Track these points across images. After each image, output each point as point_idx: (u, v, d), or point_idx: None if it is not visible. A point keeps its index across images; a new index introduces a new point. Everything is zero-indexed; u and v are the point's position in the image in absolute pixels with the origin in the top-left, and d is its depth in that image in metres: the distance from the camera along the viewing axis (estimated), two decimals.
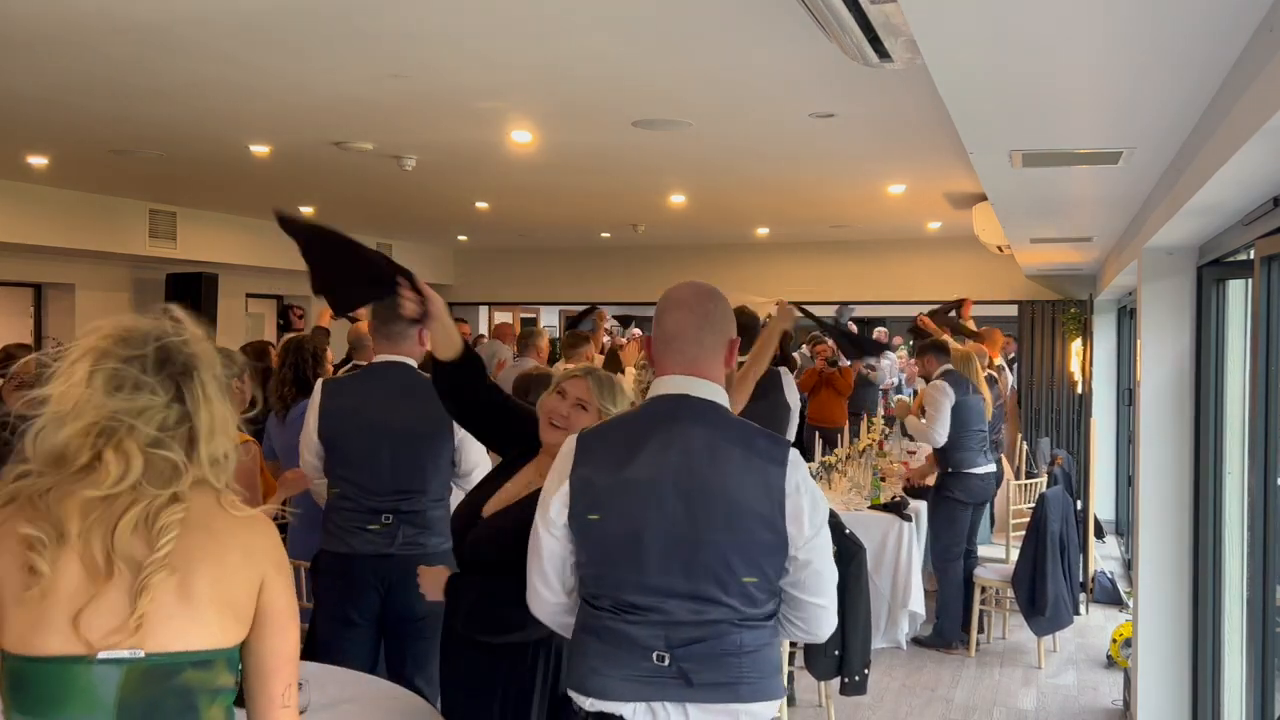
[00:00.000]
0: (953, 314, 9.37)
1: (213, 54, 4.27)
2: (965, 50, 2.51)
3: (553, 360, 8.35)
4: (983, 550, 7.02)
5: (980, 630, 6.69)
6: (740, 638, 2.20)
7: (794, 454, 2.27)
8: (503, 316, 16.55)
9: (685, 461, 2.21)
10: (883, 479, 7.14)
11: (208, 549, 1.65)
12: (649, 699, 2.19)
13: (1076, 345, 10.55)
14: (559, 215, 9.69)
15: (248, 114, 5.41)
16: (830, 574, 2.27)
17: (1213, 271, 4.42)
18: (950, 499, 6.62)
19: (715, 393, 2.31)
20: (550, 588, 2.32)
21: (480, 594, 2.70)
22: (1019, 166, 3.86)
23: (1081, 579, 7.24)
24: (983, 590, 6.68)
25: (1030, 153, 3.67)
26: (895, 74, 3.82)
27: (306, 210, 9.61)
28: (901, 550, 6.38)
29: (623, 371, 7.24)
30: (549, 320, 18.93)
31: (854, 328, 12.04)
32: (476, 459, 3.82)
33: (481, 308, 15.40)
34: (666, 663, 2.18)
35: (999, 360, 9.26)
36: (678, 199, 8.49)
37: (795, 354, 11.10)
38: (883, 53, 3.36)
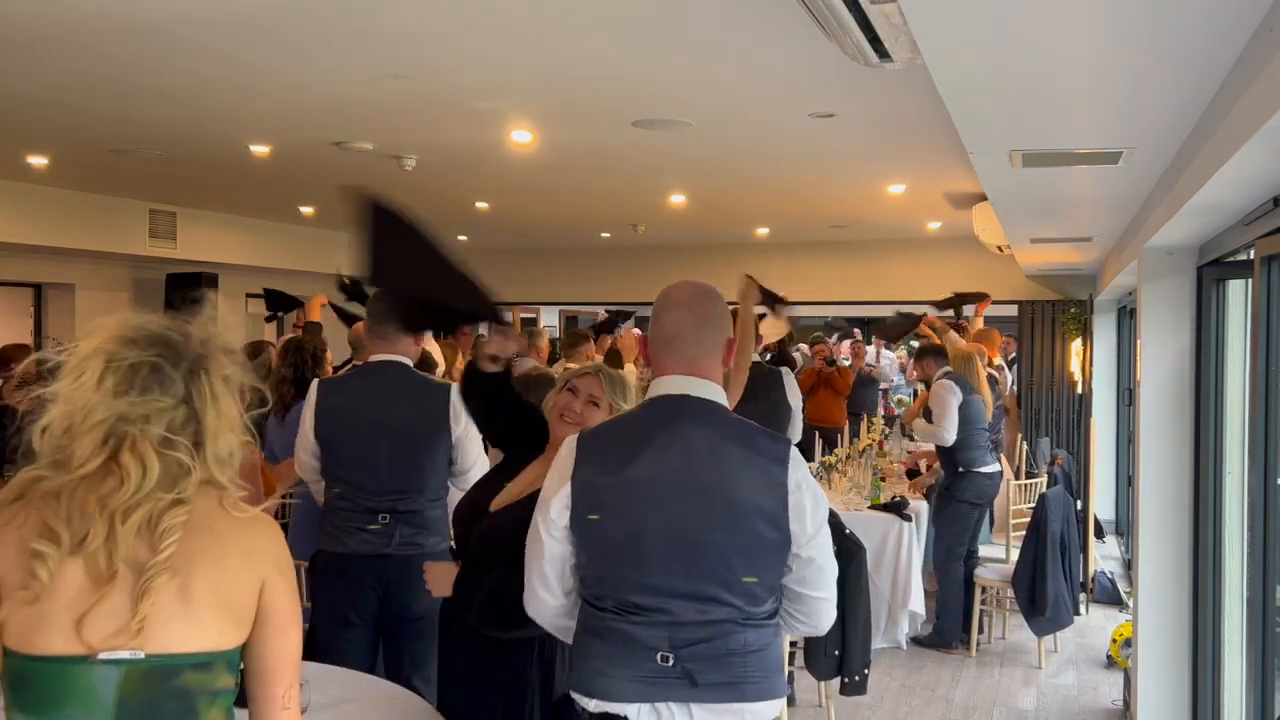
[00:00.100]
0: (948, 312, 9.31)
1: (213, 54, 4.27)
2: (965, 50, 2.51)
3: (553, 360, 8.36)
4: (982, 550, 7.02)
5: (980, 630, 6.69)
6: (744, 637, 2.21)
7: (794, 452, 2.28)
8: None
9: (687, 461, 2.21)
10: (883, 479, 7.14)
11: (209, 551, 1.65)
12: (654, 700, 2.19)
13: (1076, 345, 10.55)
14: (559, 215, 9.69)
15: (248, 114, 5.41)
16: (832, 568, 2.29)
17: (1213, 271, 4.42)
18: (959, 500, 6.61)
19: (715, 392, 2.31)
20: (550, 590, 2.31)
21: (494, 589, 2.69)
22: (1019, 166, 3.86)
23: (1081, 579, 7.24)
24: (983, 590, 6.67)
25: (1030, 153, 3.67)
26: (895, 74, 3.82)
27: (306, 210, 9.62)
28: (901, 550, 6.38)
29: (622, 367, 7.24)
30: (549, 320, 18.92)
31: (862, 349, 12.09)
32: (474, 458, 3.82)
33: None
34: (671, 663, 2.18)
35: (998, 360, 9.26)
36: (678, 199, 8.49)
37: (795, 354, 11.10)
38: (883, 53, 3.36)
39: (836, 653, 4.39)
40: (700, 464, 2.21)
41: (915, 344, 9.82)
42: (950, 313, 9.24)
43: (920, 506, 6.90)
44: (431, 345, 6.47)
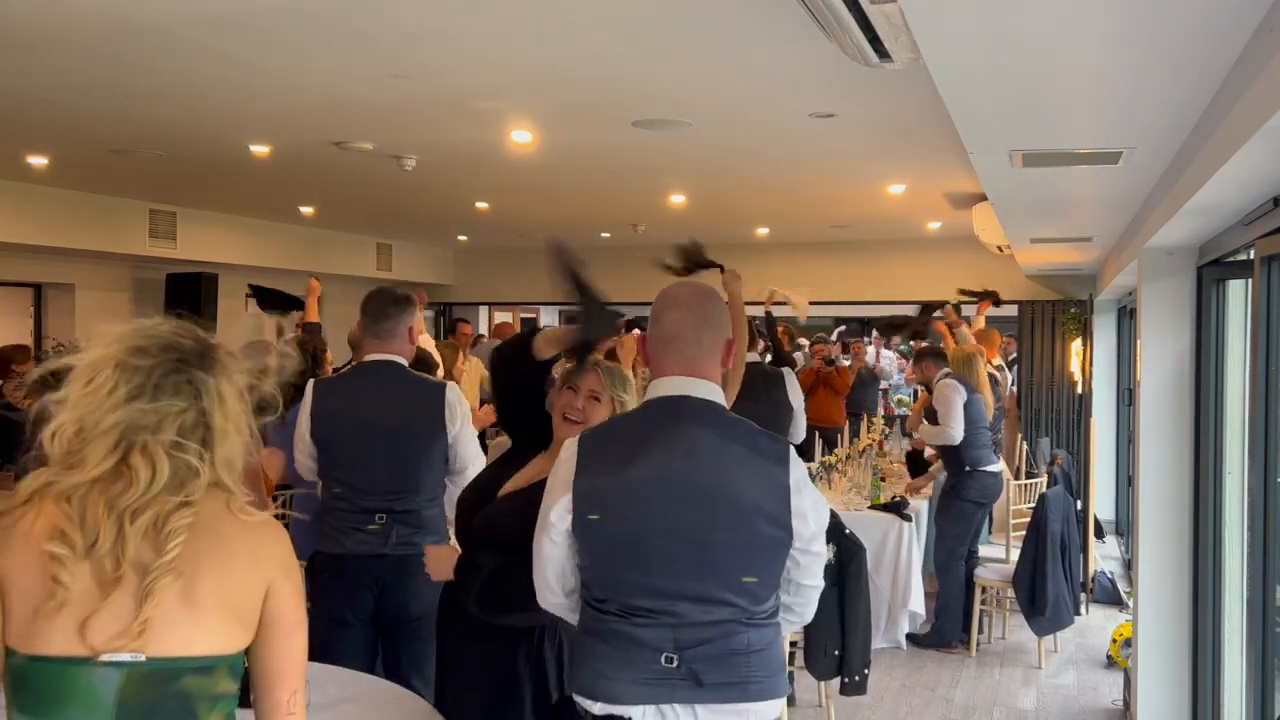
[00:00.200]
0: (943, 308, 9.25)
1: (213, 54, 4.27)
2: (965, 50, 2.51)
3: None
4: (982, 550, 7.03)
5: (980, 630, 6.69)
6: (747, 636, 2.22)
7: (793, 452, 2.29)
8: (503, 316, 16.56)
9: (690, 462, 2.21)
10: (883, 479, 7.14)
11: (215, 554, 1.65)
12: (658, 701, 2.19)
13: (1076, 345, 10.55)
14: (559, 215, 9.69)
15: (248, 114, 5.41)
16: (824, 558, 2.35)
17: (1213, 271, 4.42)
18: (965, 500, 6.60)
19: (714, 392, 2.31)
20: (553, 591, 2.32)
21: (492, 572, 2.69)
22: (1019, 166, 3.86)
23: (1081, 579, 7.24)
24: (983, 590, 6.68)
25: (1030, 153, 3.67)
26: (895, 74, 3.81)
27: (306, 210, 9.62)
28: (901, 550, 6.38)
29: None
30: (549, 320, 18.93)
31: (861, 348, 12.00)
32: (470, 457, 3.81)
33: (481, 308, 15.40)
34: (675, 664, 2.18)
35: (998, 360, 9.25)
36: (678, 199, 8.49)
37: (797, 353, 11.10)
38: (883, 53, 3.36)
39: (836, 653, 4.40)
40: (703, 464, 2.21)
41: (914, 344, 9.82)
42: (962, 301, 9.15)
43: (920, 506, 6.90)
44: (428, 343, 6.47)
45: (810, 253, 11.88)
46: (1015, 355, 11.66)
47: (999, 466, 6.78)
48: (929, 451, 7.78)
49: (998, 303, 9.35)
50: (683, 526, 2.19)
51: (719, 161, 6.70)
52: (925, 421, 6.91)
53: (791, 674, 5.09)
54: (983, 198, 6.62)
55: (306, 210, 9.64)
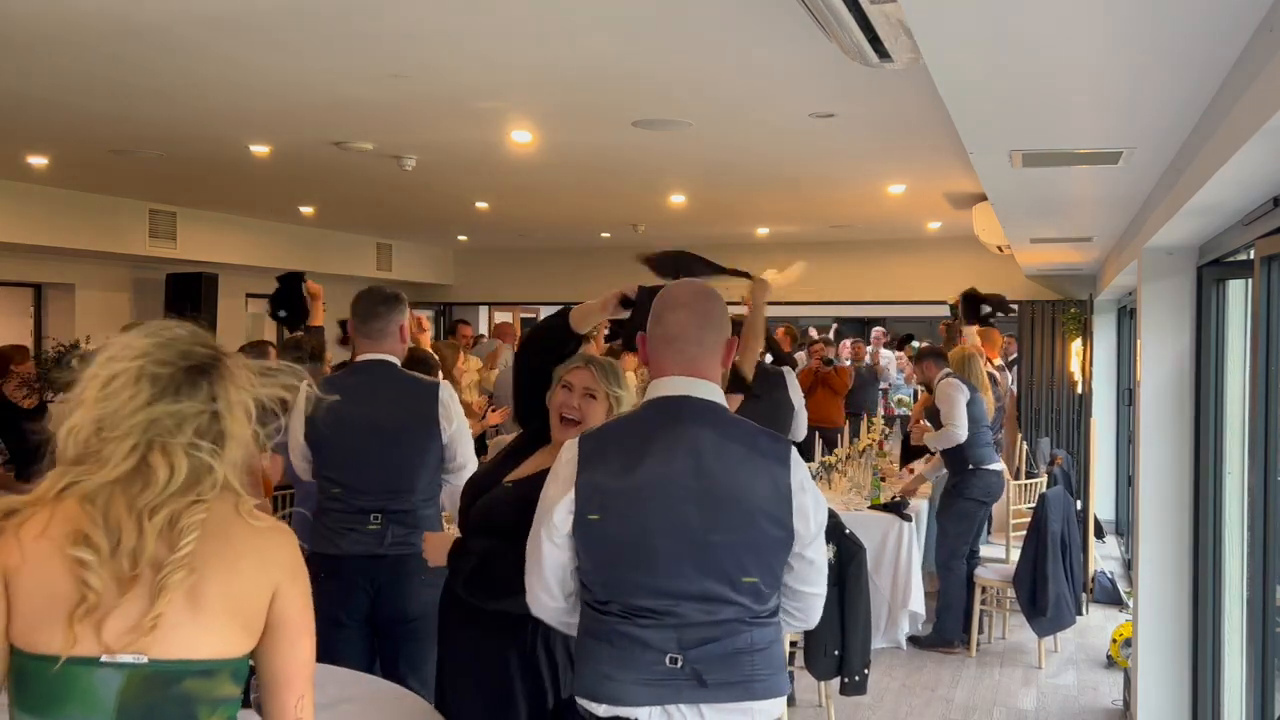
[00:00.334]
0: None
1: (213, 54, 4.27)
2: (965, 50, 2.51)
3: None
4: (982, 550, 7.02)
5: (980, 630, 6.69)
6: (750, 635, 2.22)
7: (794, 452, 2.29)
8: (503, 316, 16.55)
9: (693, 463, 2.21)
10: (883, 479, 7.14)
11: (222, 556, 1.66)
12: (663, 701, 2.19)
13: (1076, 345, 10.55)
14: (559, 215, 9.69)
15: (248, 114, 5.41)
16: (824, 567, 2.34)
17: (1213, 271, 4.42)
18: (967, 498, 6.59)
19: (714, 393, 2.31)
20: (551, 594, 2.31)
21: (484, 555, 2.69)
22: (1019, 166, 3.86)
23: (1082, 579, 7.24)
24: (983, 590, 6.67)
25: (1030, 153, 3.67)
26: (895, 74, 3.81)
27: (306, 210, 9.62)
28: (901, 550, 6.38)
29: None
30: None
31: (862, 348, 11.94)
32: (466, 456, 3.80)
33: (481, 308, 15.39)
34: (679, 664, 2.18)
35: (998, 360, 9.25)
36: (678, 199, 8.49)
37: (799, 353, 11.10)
38: (883, 53, 3.36)
39: (836, 653, 4.40)
40: (706, 465, 2.21)
41: (916, 344, 9.83)
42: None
43: (920, 506, 6.89)
44: (424, 343, 6.46)
45: (810, 253, 11.82)
46: (1015, 355, 11.65)
47: (1000, 465, 6.78)
48: (915, 438, 7.74)
49: (1006, 311, 9.23)
50: (685, 527, 2.19)
51: (719, 161, 6.70)
52: (928, 424, 6.89)
53: (791, 674, 5.09)
54: (983, 198, 6.62)
55: (306, 210, 9.64)
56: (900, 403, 13.97)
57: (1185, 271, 4.59)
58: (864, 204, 8.56)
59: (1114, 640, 6.15)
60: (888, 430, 10.57)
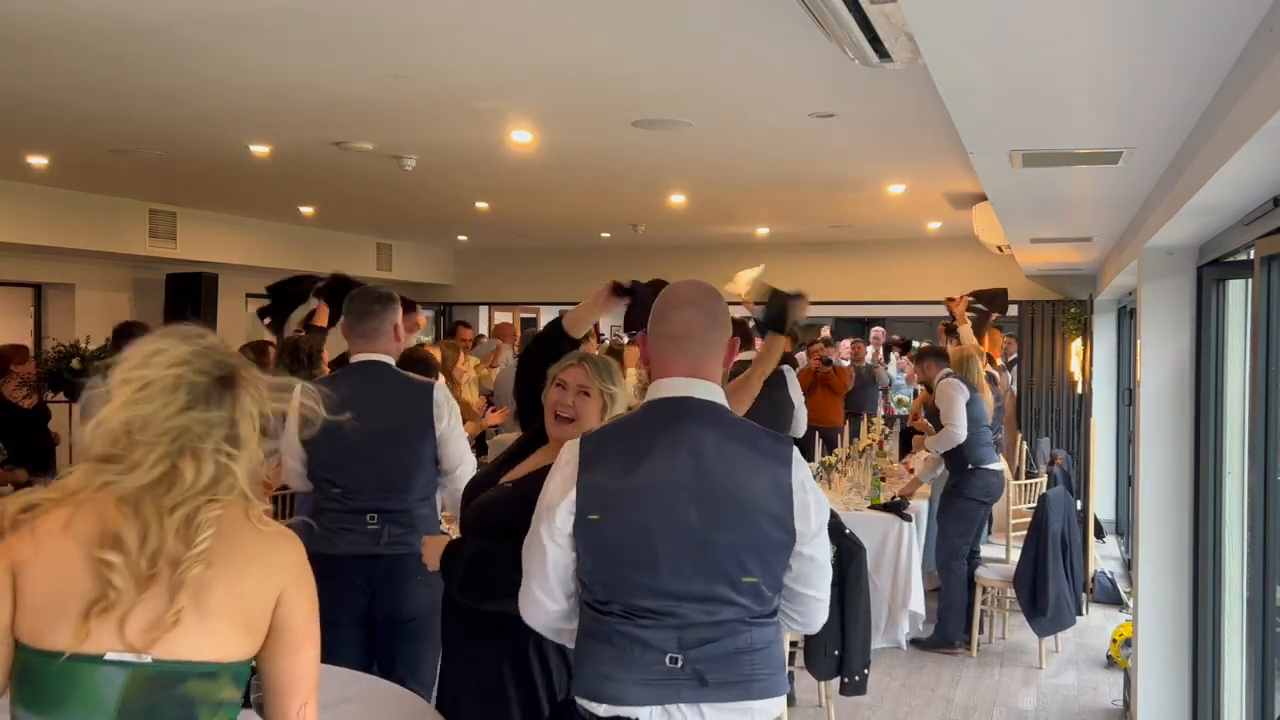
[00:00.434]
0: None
1: (213, 54, 4.27)
2: (965, 50, 2.51)
3: None
4: (982, 550, 7.02)
5: (980, 630, 6.69)
6: (751, 635, 2.22)
7: (796, 452, 2.29)
8: (503, 316, 16.54)
9: (696, 463, 2.21)
10: (883, 479, 7.14)
11: (230, 559, 1.67)
12: (664, 701, 2.18)
13: (1076, 345, 10.55)
14: (559, 215, 9.69)
15: (248, 114, 5.41)
16: (827, 568, 2.33)
17: (1213, 271, 4.42)
18: (967, 498, 6.59)
19: (715, 393, 2.31)
20: (553, 597, 2.30)
21: (476, 555, 2.69)
22: (1019, 166, 3.86)
23: (1082, 579, 7.23)
24: (984, 590, 6.67)
25: (1030, 153, 3.67)
26: (895, 74, 3.82)
27: (306, 210, 9.62)
28: (901, 550, 6.38)
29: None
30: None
31: (862, 348, 11.97)
32: (459, 457, 3.79)
33: (481, 308, 15.39)
34: (680, 664, 2.18)
35: (999, 361, 9.25)
36: (678, 199, 8.49)
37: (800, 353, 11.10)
38: (883, 53, 3.36)
39: (836, 653, 4.39)
40: (708, 465, 2.21)
41: (916, 344, 9.81)
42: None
43: (920, 506, 6.89)
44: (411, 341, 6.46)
45: (810, 253, 11.88)
46: (1015, 355, 11.66)
47: (1001, 465, 6.78)
48: (918, 424, 7.73)
49: (1002, 310, 9.23)
50: (687, 527, 2.19)
51: (719, 161, 6.70)
52: (928, 422, 6.89)
53: (791, 674, 5.09)
54: (983, 198, 6.62)
55: (306, 210, 9.64)
56: (900, 403, 13.98)
57: (1185, 271, 4.59)
58: (864, 204, 8.56)
59: (1114, 640, 6.15)
60: (888, 430, 10.56)
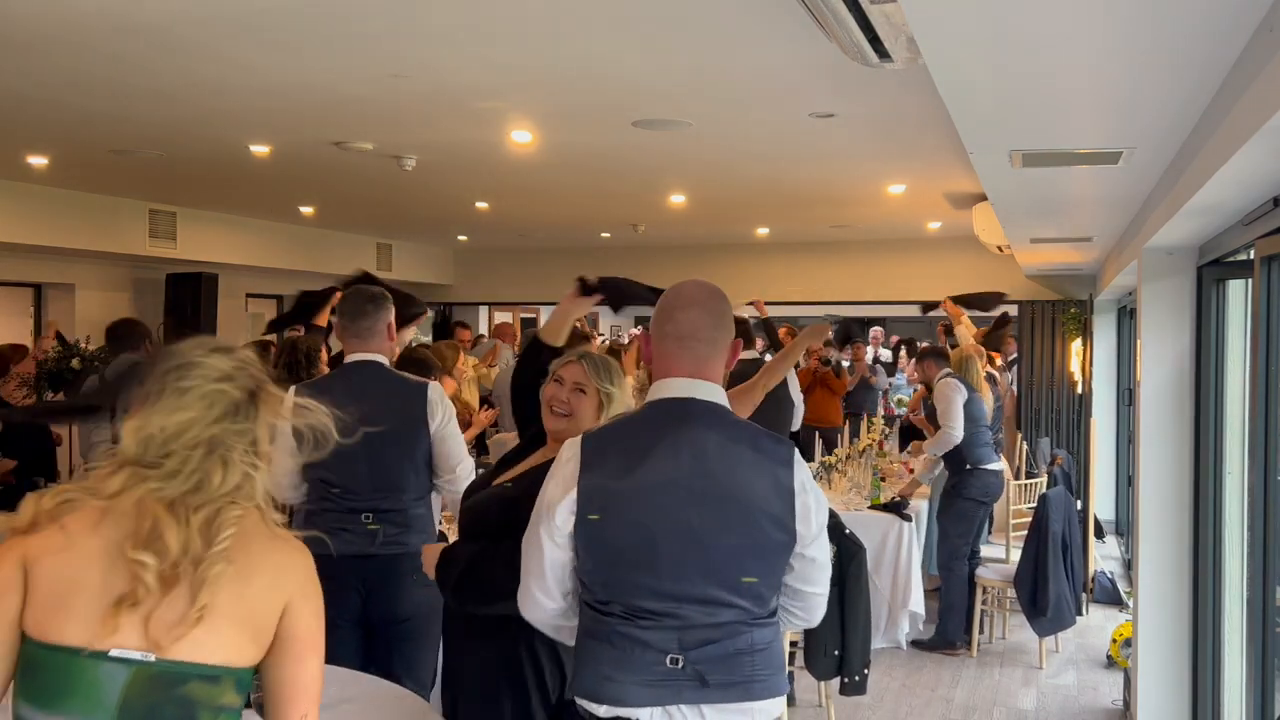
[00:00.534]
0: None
1: (213, 54, 4.27)
2: (965, 50, 2.51)
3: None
4: (982, 550, 7.02)
5: (980, 630, 6.69)
6: (751, 636, 2.22)
7: (797, 454, 2.29)
8: (503, 316, 16.55)
9: (698, 465, 2.21)
10: (883, 479, 7.14)
11: (239, 564, 1.68)
12: (665, 702, 2.18)
13: (1076, 345, 10.55)
14: (559, 215, 9.69)
15: (248, 114, 5.41)
16: (828, 566, 2.34)
17: (1213, 271, 4.42)
18: (966, 498, 6.59)
19: (718, 394, 2.31)
20: (549, 595, 2.30)
21: (470, 561, 2.69)
22: (1019, 166, 3.85)
23: (1082, 579, 7.23)
24: (984, 590, 6.67)
25: (1030, 153, 3.67)
26: (895, 74, 3.82)
27: (306, 210, 9.62)
28: (901, 550, 6.38)
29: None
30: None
31: (862, 347, 12.02)
32: (458, 458, 3.78)
33: (481, 308, 15.40)
34: (680, 665, 2.18)
35: (999, 361, 9.25)
36: (678, 199, 8.49)
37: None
38: (883, 53, 3.36)
39: (836, 653, 4.39)
40: (711, 467, 2.21)
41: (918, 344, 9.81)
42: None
43: (920, 506, 6.89)
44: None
45: (810, 253, 11.88)
46: (1015, 355, 11.66)
47: (1000, 465, 6.78)
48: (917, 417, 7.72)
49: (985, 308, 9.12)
50: (688, 529, 2.18)
51: (719, 161, 6.70)
52: (927, 421, 6.89)
53: (791, 674, 5.09)
54: (983, 198, 6.62)
55: (306, 210, 9.64)
56: (900, 403, 13.97)
57: (1185, 271, 4.59)
58: (864, 204, 8.56)
59: (1114, 640, 6.15)
60: (888, 430, 10.56)
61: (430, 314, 13.66)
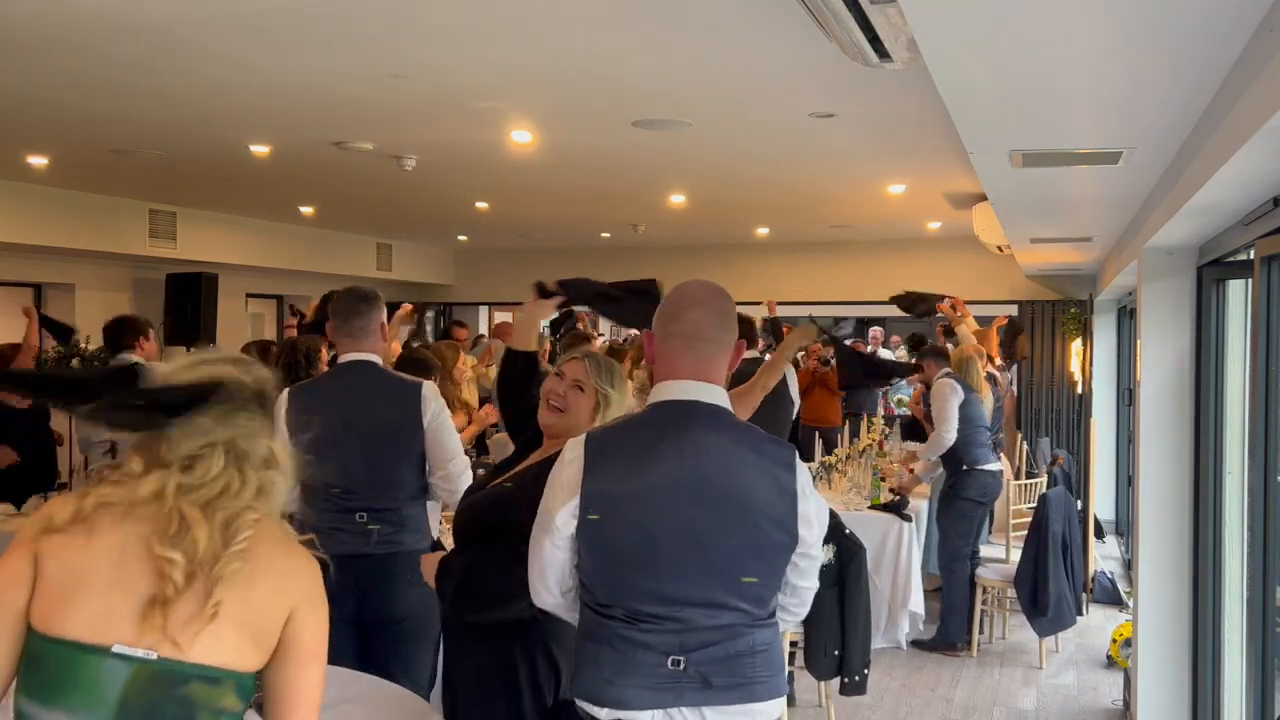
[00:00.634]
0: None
1: (213, 54, 4.27)
2: (965, 50, 2.51)
3: (553, 360, 8.37)
4: (982, 550, 7.02)
5: (980, 630, 6.69)
6: (752, 638, 2.22)
7: (798, 457, 2.30)
8: (503, 316, 16.54)
9: (702, 467, 2.20)
10: (883, 479, 7.14)
11: (245, 568, 1.69)
12: (666, 705, 2.18)
13: (1076, 345, 10.55)
14: (559, 215, 9.69)
15: (248, 114, 5.41)
16: (820, 559, 2.36)
17: (1213, 271, 4.42)
18: (964, 499, 6.59)
19: (721, 396, 2.31)
20: (550, 592, 2.31)
21: (466, 569, 2.69)
22: (1019, 166, 3.85)
23: (1082, 579, 7.23)
24: (984, 590, 6.67)
25: (1030, 153, 3.67)
26: (895, 74, 3.82)
27: (306, 210, 9.62)
28: (901, 550, 6.38)
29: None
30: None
31: (861, 346, 11.93)
32: (451, 451, 3.76)
33: (481, 308, 15.39)
34: (682, 666, 2.18)
35: (998, 360, 9.25)
36: (678, 199, 8.49)
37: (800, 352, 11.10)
38: (883, 53, 3.36)
39: (836, 653, 4.40)
40: (714, 469, 2.20)
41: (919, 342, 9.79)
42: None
43: (920, 506, 6.89)
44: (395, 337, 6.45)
45: (810, 253, 11.88)
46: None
47: (998, 465, 6.78)
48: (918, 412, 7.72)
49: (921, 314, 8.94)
50: (691, 531, 2.18)
51: (719, 161, 6.70)
52: (920, 446, 6.90)
53: (791, 674, 5.09)
54: (983, 198, 6.62)
55: (306, 210, 9.64)
56: (900, 403, 13.97)
57: (1185, 271, 4.59)
58: (864, 204, 8.56)
59: (1114, 640, 6.15)
60: (888, 430, 10.55)
61: (430, 313, 13.67)
